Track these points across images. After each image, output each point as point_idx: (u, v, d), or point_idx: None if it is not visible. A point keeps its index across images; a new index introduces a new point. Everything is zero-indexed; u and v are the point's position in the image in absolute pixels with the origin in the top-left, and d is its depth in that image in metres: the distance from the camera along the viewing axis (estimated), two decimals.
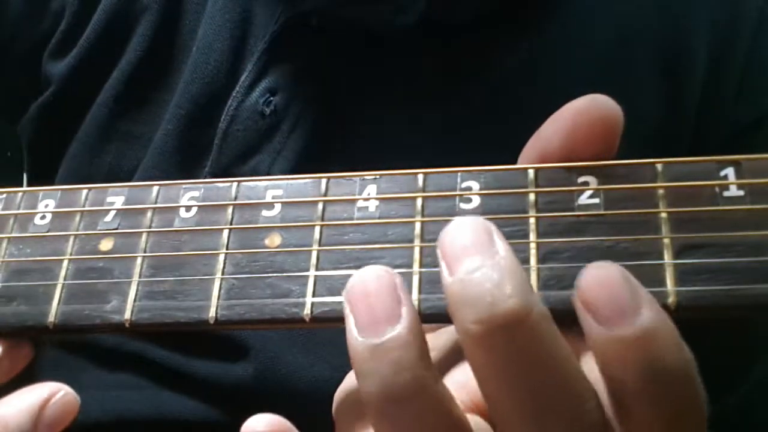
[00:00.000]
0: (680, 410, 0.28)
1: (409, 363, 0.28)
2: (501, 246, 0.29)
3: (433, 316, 0.33)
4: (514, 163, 0.36)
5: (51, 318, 0.37)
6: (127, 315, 0.36)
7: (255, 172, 0.53)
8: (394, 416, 0.28)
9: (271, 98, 0.54)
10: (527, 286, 0.28)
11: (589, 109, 0.34)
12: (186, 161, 0.55)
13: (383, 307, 0.29)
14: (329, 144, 0.54)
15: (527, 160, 0.36)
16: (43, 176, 0.60)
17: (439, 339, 0.35)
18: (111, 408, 0.52)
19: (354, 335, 0.29)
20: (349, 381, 0.37)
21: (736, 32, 0.55)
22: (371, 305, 0.29)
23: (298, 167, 0.52)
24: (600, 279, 0.28)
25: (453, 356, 0.34)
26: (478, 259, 0.28)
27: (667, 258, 0.32)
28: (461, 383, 0.32)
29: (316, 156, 0.53)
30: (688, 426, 0.29)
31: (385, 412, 0.28)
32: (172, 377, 0.52)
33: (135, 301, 0.36)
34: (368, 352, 0.28)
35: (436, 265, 0.31)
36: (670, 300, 0.31)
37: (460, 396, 0.31)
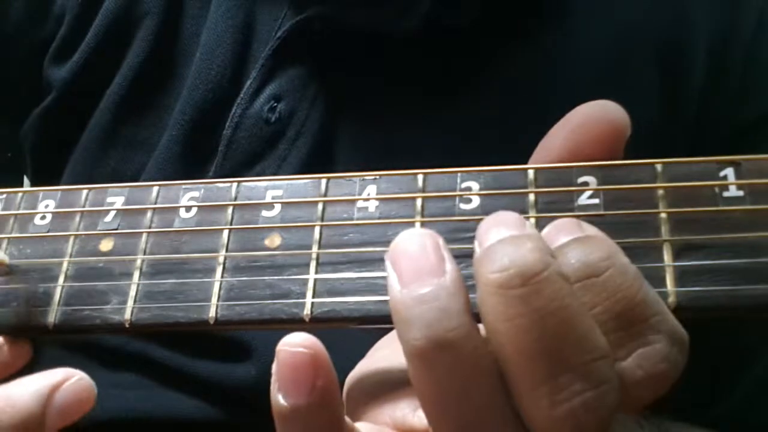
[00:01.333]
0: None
1: (457, 310, 0.29)
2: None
3: None
4: (518, 163, 0.36)
5: (51, 318, 0.37)
6: (127, 315, 0.36)
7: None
8: (438, 363, 0.29)
9: (276, 105, 0.54)
10: (546, 248, 0.29)
11: (597, 114, 0.34)
12: (190, 167, 0.55)
13: (428, 262, 0.29)
14: (334, 150, 0.54)
15: (535, 164, 0.36)
16: (45, 181, 0.60)
17: None
18: (113, 407, 0.52)
19: (396, 289, 0.29)
20: (362, 366, 0.37)
21: (735, 33, 0.55)
22: (416, 261, 0.30)
23: (303, 174, 0.52)
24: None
25: None
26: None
27: (667, 258, 0.32)
28: None
29: (321, 163, 0.53)
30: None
31: (429, 359, 0.29)
32: (174, 377, 0.52)
33: (135, 301, 0.36)
34: (414, 300, 0.29)
35: None
36: (670, 300, 0.31)
37: None
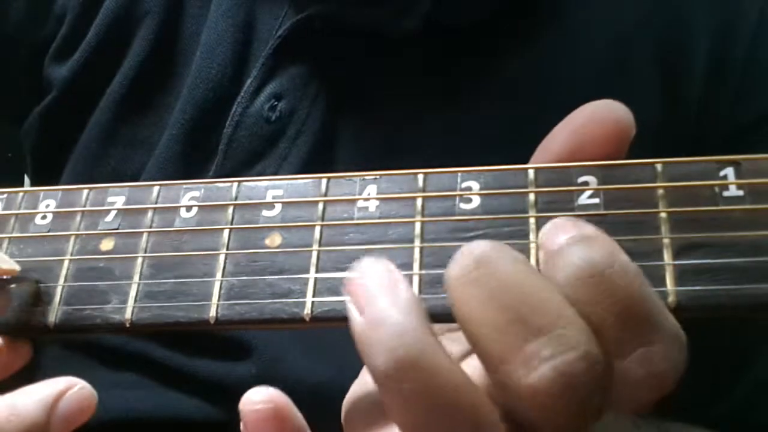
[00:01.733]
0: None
1: (413, 328, 0.29)
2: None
3: (434, 316, 0.32)
4: (519, 163, 0.36)
5: (52, 318, 0.37)
6: (128, 315, 0.36)
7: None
8: (403, 384, 0.29)
9: (277, 103, 0.54)
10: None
11: (601, 114, 0.34)
12: (190, 166, 0.55)
13: (381, 287, 0.30)
14: (335, 149, 0.54)
15: (537, 163, 0.36)
16: (46, 181, 0.60)
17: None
18: (114, 407, 0.52)
19: (356, 320, 0.30)
20: (356, 389, 0.37)
21: (735, 33, 0.55)
22: (369, 288, 0.30)
23: (303, 172, 0.52)
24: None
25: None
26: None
27: (667, 258, 0.32)
28: None
29: (321, 161, 0.53)
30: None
31: (394, 381, 0.29)
32: (174, 377, 0.52)
33: (135, 301, 0.36)
34: (371, 325, 0.29)
35: (437, 265, 0.31)
36: (670, 300, 0.31)
37: None
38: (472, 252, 0.30)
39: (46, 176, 0.61)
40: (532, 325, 0.29)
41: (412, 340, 0.29)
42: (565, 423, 0.29)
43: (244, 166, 0.54)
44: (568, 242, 0.30)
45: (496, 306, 0.29)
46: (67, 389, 0.35)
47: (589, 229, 0.31)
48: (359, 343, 0.30)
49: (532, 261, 0.33)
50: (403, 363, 0.29)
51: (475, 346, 0.30)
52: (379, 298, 0.30)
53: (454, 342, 0.34)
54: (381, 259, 0.31)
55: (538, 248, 0.33)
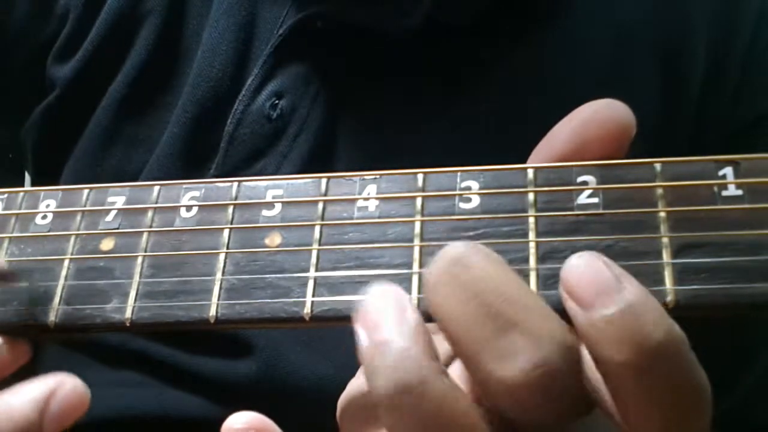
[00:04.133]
0: (676, 394, 0.28)
1: (417, 354, 0.29)
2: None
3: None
4: (518, 162, 0.36)
5: (52, 317, 0.37)
6: (128, 314, 0.36)
7: (261, 176, 0.53)
8: (404, 408, 0.29)
9: (278, 102, 0.54)
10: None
11: (603, 113, 0.35)
12: (191, 164, 0.55)
13: (389, 314, 0.30)
14: (335, 147, 0.54)
15: (538, 160, 0.36)
16: (47, 180, 0.60)
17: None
18: (114, 405, 0.52)
19: (364, 345, 0.30)
20: (353, 387, 0.37)
21: (735, 31, 0.55)
22: (378, 315, 0.31)
23: (304, 171, 0.52)
24: (580, 266, 0.30)
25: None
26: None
27: (666, 257, 0.32)
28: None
29: (322, 160, 0.53)
30: (689, 418, 0.29)
31: (395, 405, 0.29)
32: (175, 375, 0.52)
33: (135, 300, 0.36)
34: (377, 349, 0.30)
35: None
36: (669, 299, 0.31)
37: None
38: (447, 253, 0.31)
39: (47, 175, 0.61)
40: (507, 319, 0.29)
41: (414, 365, 0.29)
42: (544, 417, 0.29)
43: (245, 164, 0.54)
44: None
45: (471, 302, 0.30)
46: (59, 387, 0.35)
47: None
48: (364, 366, 0.30)
49: (532, 262, 0.33)
50: (403, 388, 0.29)
51: (455, 346, 0.30)
52: (384, 324, 0.30)
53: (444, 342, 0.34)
54: (390, 284, 0.32)
55: (537, 247, 0.33)
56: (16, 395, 0.34)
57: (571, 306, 0.29)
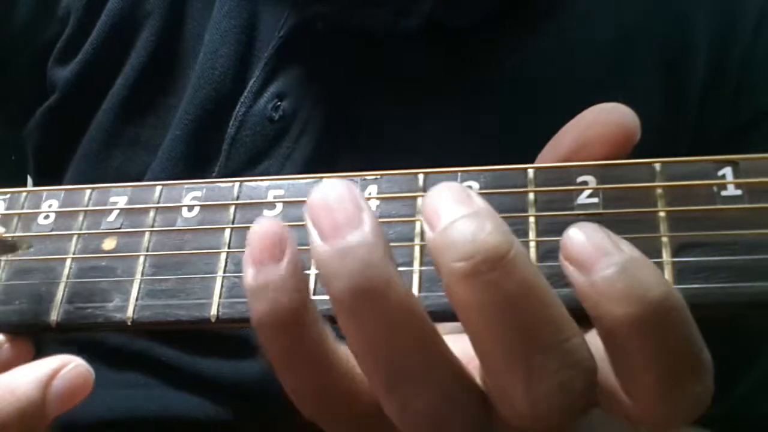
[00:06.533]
0: (674, 354, 0.29)
1: (377, 260, 0.29)
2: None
3: (434, 314, 0.33)
4: (519, 162, 0.36)
5: (53, 316, 0.37)
6: (129, 313, 0.36)
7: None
8: (363, 313, 0.29)
9: (279, 103, 0.54)
10: (505, 226, 0.29)
11: (608, 116, 0.35)
12: (194, 167, 0.55)
13: (345, 214, 0.30)
14: (338, 148, 0.54)
15: (543, 163, 0.36)
16: (48, 181, 0.60)
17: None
18: (118, 406, 0.52)
19: (318, 244, 0.30)
20: None
21: (735, 30, 0.55)
22: (333, 214, 0.30)
23: (306, 172, 0.52)
24: (578, 233, 0.30)
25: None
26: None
27: (666, 256, 0.32)
28: None
29: (324, 161, 0.53)
30: (687, 381, 0.29)
31: (354, 309, 0.29)
32: (178, 376, 0.53)
33: (137, 299, 0.36)
34: (336, 253, 0.29)
35: None
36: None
37: None
38: (484, 245, 0.29)
39: (49, 177, 0.61)
40: (543, 340, 0.29)
41: (377, 269, 0.29)
42: (553, 427, 0.30)
43: (247, 165, 0.54)
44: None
45: (511, 318, 0.29)
46: (62, 367, 0.35)
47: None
48: (320, 268, 0.30)
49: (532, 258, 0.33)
50: (367, 291, 0.29)
51: (477, 349, 0.30)
52: (345, 228, 0.29)
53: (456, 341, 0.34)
54: (345, 181, 0.31)
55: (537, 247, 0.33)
56: (19, 374, 0.35)
57: (571, 271, 0.29)
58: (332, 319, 0.31)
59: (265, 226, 0.31)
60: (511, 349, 0.29)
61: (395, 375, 0.30)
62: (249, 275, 0.30)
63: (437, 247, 0.29)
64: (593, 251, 0.29)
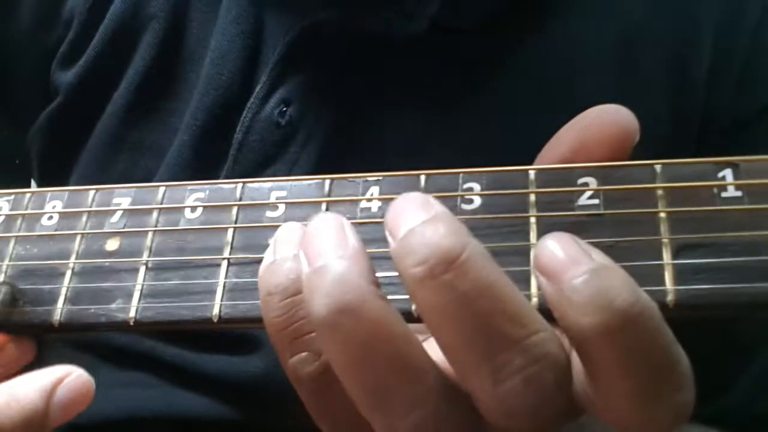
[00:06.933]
0: (646, 361, 0.29)
1: (356, 276, 0.30)
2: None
3: None
4: (523, 163, 0.36)
5: (57, 316, 0.37)
6: (132, 314, 0.36)
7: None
8: (340, 327, 0.30)
9: (286, 108, 0.54)
10: (461, 228, 0.30)
11: (607, 118, 0.35)
12: (201, 172, 0.55)
13: (331, 240, 0.31)
14: (344, 153, 0.54)
15: (542, 164, 0.36)
16: (53, 185, 0.60)
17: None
18: (122, 405, 0.52)
19: (304, 270, 0.31)
20: None
21: (739, 25, 0.55)
22: (320, 242, 0.31)
23: None
24: (549, 244, 0.30)
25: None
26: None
27: (666, 257, 0.32)
28: None
29: (331, 165, 0.53)
30: (663, 389, 0.29)
31: (332, 324, 0.30)
32: (182, 375, 0.53)
33: (139, 300, 0.37)
34: (316, 273, 0.30)
35: None
36: (669, 299, 0.32)
37: None
38: (438, 247, 0.29)
39: (53, 181, 0.61)
40: (505, 337, 0.29)
41: (351, 287, 0.29)
42: (535, 423, 0.30)
43: (254, 170, 0.54)
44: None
45: (469, 316, 0.29)
46: (65, 376, 0.35)
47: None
48: (305, 292, 0.30)
49: (531, 261, 0.33)
50: (341, 308, 0.29)
51: (444, 351, 0.30)
52: (325, 249, 0.30)
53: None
54: (334, 214, 0.32)
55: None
56: (23, 383, 0.35)
57: (542, 282, 0.30)
58: None
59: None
60: (474, 348, 0.29)
61: (378, 395, 0.30)
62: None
63: (397, 255, 0.30)
64: (562, 261, 0.29)
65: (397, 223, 0.30)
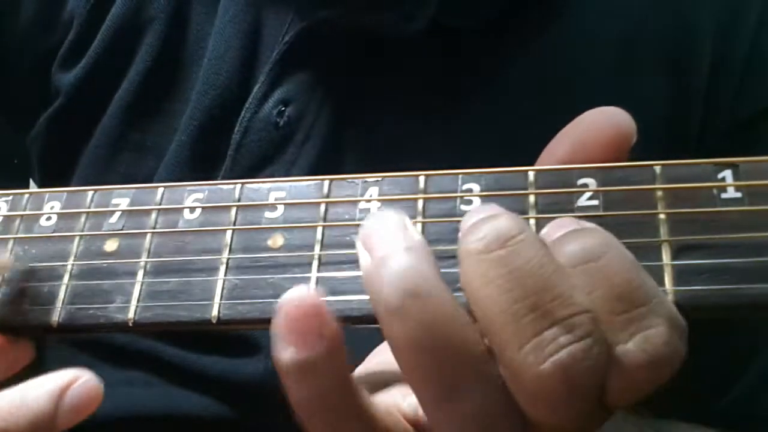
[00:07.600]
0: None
1: (425, 267, 0.30)
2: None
3: None
4: (523, 164, 0.36)
5: (55, 317, 0.37)
6: (131, 314, 0.36)
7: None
8: (408, 313, 0.30)
9: (284, 109, 0.54)
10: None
11: (605, 119, 0.35)
12: (199, 172, 0.55)
13: (396, 235, 0.31)
14: (343, 153, 0.54)
15: (541, 165, 0.36)
16: (54, 186, 0.60)
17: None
18: (122, 405, 0.52)
19: (365, 263, 0.31)
20: (359, 370, 0.37)
21: (738, 27, 0.55)
22: (383, 236, 0.31)
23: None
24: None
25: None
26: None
27: (666, 258, 0.32)
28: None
29: (329, 166, 0.53)
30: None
31: (400, 310, 0.30)
32: (182, 375, 0.53)
33: (138, 300, 0.37)
34: (383, 265, 0.30)
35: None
36: (669, 299, 0.31)
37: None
38: (496, 227, 0.30)
39: (54, 182, 0.61)
40: (552, 314, 0.29)
41: (417, 273, 0.30)
42: (568, 412, 0.29)
43: (252, 171, 0.54)
44: (566, 234, 0.31)
45: (517, 291, 0.29)
46: (74, 380, 0.35)
47: (586, 223, 0.31)
48: (367, 285, 0.31)
49: None
50: (411, 292, 0.29)
51: (486, 327, 0.30)
52: (386, 240, 0.31)
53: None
54: (397, 210, 0.32)
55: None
56: (32, 386, 0.35)
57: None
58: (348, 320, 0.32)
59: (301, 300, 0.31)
60: (521, 324, 0.29)
61: (444, 382, 0.30)
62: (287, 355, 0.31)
63: (461, 240, 0.31)
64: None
65: (468, 221, 0.31)
